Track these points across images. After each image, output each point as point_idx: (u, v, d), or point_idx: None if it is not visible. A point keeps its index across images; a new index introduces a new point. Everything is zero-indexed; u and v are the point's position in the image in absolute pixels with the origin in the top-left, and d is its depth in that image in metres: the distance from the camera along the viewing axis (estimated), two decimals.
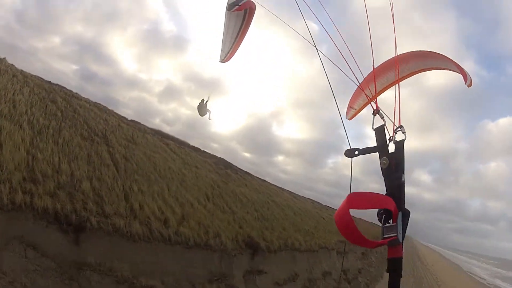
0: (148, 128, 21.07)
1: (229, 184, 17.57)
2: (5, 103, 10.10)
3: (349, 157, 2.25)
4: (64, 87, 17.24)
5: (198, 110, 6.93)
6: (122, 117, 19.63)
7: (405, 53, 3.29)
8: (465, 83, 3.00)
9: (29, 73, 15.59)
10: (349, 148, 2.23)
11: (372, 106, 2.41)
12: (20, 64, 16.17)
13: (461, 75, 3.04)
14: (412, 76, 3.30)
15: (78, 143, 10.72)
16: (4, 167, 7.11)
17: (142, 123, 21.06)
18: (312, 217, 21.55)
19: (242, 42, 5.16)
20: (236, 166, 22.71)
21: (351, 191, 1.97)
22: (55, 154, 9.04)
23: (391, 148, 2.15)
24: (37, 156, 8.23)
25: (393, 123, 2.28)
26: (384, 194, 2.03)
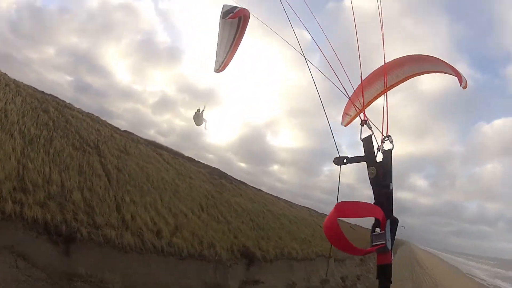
0: (141, 138, 21.11)
1: (224, 194, 17.57)
2: None
3: (337, 165, 2.30)
4: (57, 97, 17.34)
5: (194, 120, 7.01)
6: (115, 127, 19.69)
7: (400, 57, 3.33)
8: (460, 85, 3.02)
9: (22, 82, 15.71)
10: (338, 156, 2.29)
11: (360, 117, 2.48)
12: (15, 74, 16.35)
13: (456, 78, 3.07)
14: (407, 81, 3.29)
15: (69, 153, 10.75)
16: None
17: (136, 134, 21.13)
18: (309, 225, 21.51)
19: (236, 52, 5.19)
20: (231, 176, 22.76)
21: (340, 199, 2.05)
22: (46, 164, 9.06)
23: (379, 157, 2.21)
24: (27, 166, 8.25)
25: (381, 132, 2.35)
26: (373, 203, 2.10)
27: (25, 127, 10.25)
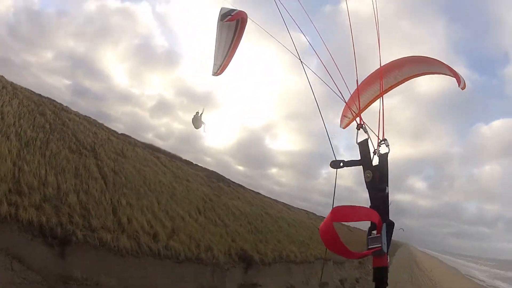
0: (138, 141, 21.15)
1: (222, 197, 17.58)
2: None
3: (334, 168, 2.34)
4: (54, 100, 17.40)
5: (193, 123, 7.04)
6: (112, 130, 19.72)
7: (398, 59, 3.34)
8: (459, 86, 3.01)
9: (19, 85, 15.77)
10: (335, 159, 2.32)
11: (356, 121, 2.51)
12: (13, 78, 16.39)
13: (454, 79, 3.07)
14: (404, 83, 3.31)
15: (65, 156, 10.78)
16: None
17: (134, 137, 21.15)
18: (307, 228, 21.49)
19: (234, 55, 5.16)
20: (229, 179, 22.77)
21: (339, 202, 2.08)
22: (42, 166, 9.09)
23: (375, 161, 2.24)
24: (23, 168, 8.27)
25: (377, 136, 2.36)
26: (369, 206, 2.13)
27: (21, 129, 10.28)
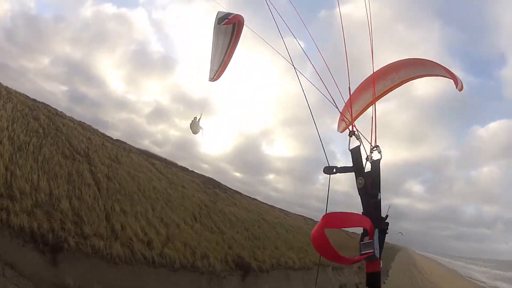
0: (133, 147, 21.13)
1: (218, 203, 17.53)
2: None
3: (327, 174, 2.40)
4: (48, 105, 17.44)
5: (191, 128, 7.04)
6: (107, 136, 19.73)
7: (395, 62, 3.38)
8: (456, 88, 3.02)
9: (13, 89, 15.83)
10: (328, 165, 2.37)
11: (348, 128, 2.56)
12: (11, 84, 16.46)
13: (452, 80, 3.08)
14: (401, 86, 3.36)
15: (58, 161, 10.77)
16: None
17: (131, 144, 21.12)
18: (305, 233, 21.40)
19: (230, 61, 5.19)
20: (225, 185, 22.76)
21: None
22: (34, 171, 9.07)
23: (368, 167, 2.30)
24: (15, 173, 8.26)
25: (370, 143, 2.43)
26: (361, 212, 2.19)
27: (14, 133, 10.29)
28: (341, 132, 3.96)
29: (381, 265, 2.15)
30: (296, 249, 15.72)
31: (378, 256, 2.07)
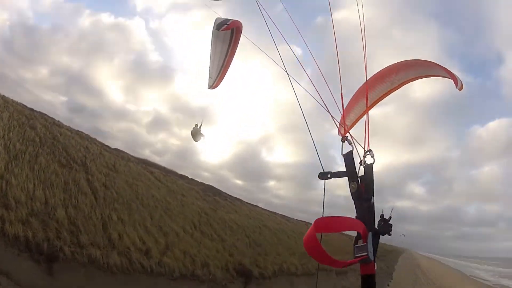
0: (132, 156, 21.24)
1: (218, 211, 17.45)
2: None
3: (322, 179, 2.47)
4: (46, 115, 17.67)
5: (192, 136, 7.09)
6: (105, 145, 19.88)
7: (395, 63, 3.43)
8: (456, 87, 3.05)
9: (10, 99, 16.10)
10: (323, 171, 2.45)
11: (340, 133, 2.68)
12: (9, 94, 16.72)
13: (450, 81, 3.10)
14: (399, 90, 3.39)
15: (54, 170, 10.84)
16: None
17: (131, 154, 21.23)
18: None
19: (229, 69, 5.16)
20: (226, 193, 22.69)
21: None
22: (30, 180, 9.14)
23: (361, 171, 2.36)
24: (11, 182, 8.33)
25: (363, 147, 2.50)
26: (355, 216, 2.24)
27: (10, 142, 10.42)
28: (343, 135, 4.10)
29: (375, 268, 2.20)
30: (299, 255, 15.51)
31: (372, 258, 2.12)
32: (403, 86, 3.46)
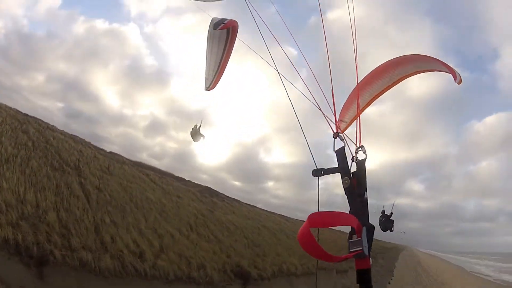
0: (127, 159, 21.36)
1: (215, 212, 17.49)
2: None
3: (316, 176, 2.54)
4: (40, 119, 17.86)
5: (191, 136, 7.14)
6: (100, 149, 20.03)
7: (393, 59, 3.45)
8: (455, 81, 3.07)
9: (4, 104, 16.32)
10: (316, 168, 2.53)
11: (332, 130, 2.71)
12: (5, 101, 16.99)
13: (447, 76, 3.11)
14: (395, 87, 3.43)
15: (46, 173, 10.95)
16: None
17: (129, 158, 21.33)
18: None
19: (225, 70, 5.15)
20: (223, 194, 22.73)
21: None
22: (21, 183, 9.25)
23: (354, 167, 2.42)
24: (2, 185, 8.45)
25: (355, 144, 2.58)
26: (348, 211, 2.29)
27: (2, 146, 10.57)
28: (342, 132, 4.20)
29: (371, 262, 2.23)
30: (298, 254, 15.51)
31: (367, 253, 2.16)
32: (400, 82, 3.46)
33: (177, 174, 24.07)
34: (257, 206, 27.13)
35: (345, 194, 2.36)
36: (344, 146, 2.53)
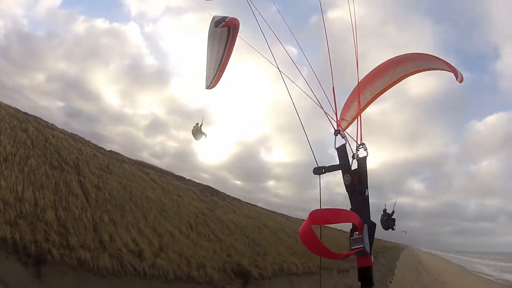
0: (127, 158, 21.39)
1: (216, 211, 17.49)
2: None
3: (317, 174, 2.58)
4: (40, 118, 17.93)
5: (193, 134, 7.09)
6: (99, 147, 20.07)
7: (394, 57, 3.46)
8: (456, 80, 3.07)
9: (3, 103, 16.41)
10: (317, 166, 2.57)
11: (333, 127, 2.73)
12: (6, 101, 17.09)
13: (449, 75, 3.11)
14: (395, 86, 3.45)
15: (45, 172, 10.97)
16: None
17: (129, 157, 21.38)
18: None
19: (226, 70, 5.15)
20: (224, 193, 22.75)
21: (322, 207, 2.29)
22: (19, 182, 9.27)
23: (355, 164, 2.45)
24: (0, 183, 8.44)
25: (356, 141, 2.59)
26: (350, 208, 2.31)
27: (0, 145, 10.61)
28: (343, 130, 4.19)
29: (372, 260, 2.25)
30: (300, 253, 15.49)
31: (368, 251, 2.17)
32: (402, 81, 3.48)
33: (177, 173, 24.20)
34: (258, 205, 27.38)
35: (347, 191, 2.36)
36: (345, 143, 2.53)
